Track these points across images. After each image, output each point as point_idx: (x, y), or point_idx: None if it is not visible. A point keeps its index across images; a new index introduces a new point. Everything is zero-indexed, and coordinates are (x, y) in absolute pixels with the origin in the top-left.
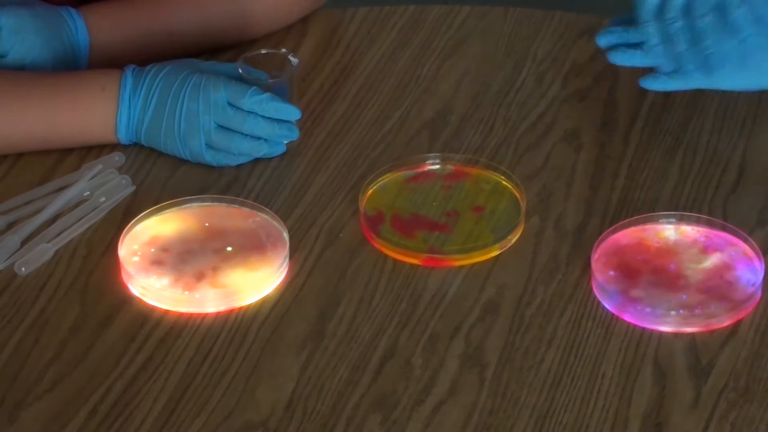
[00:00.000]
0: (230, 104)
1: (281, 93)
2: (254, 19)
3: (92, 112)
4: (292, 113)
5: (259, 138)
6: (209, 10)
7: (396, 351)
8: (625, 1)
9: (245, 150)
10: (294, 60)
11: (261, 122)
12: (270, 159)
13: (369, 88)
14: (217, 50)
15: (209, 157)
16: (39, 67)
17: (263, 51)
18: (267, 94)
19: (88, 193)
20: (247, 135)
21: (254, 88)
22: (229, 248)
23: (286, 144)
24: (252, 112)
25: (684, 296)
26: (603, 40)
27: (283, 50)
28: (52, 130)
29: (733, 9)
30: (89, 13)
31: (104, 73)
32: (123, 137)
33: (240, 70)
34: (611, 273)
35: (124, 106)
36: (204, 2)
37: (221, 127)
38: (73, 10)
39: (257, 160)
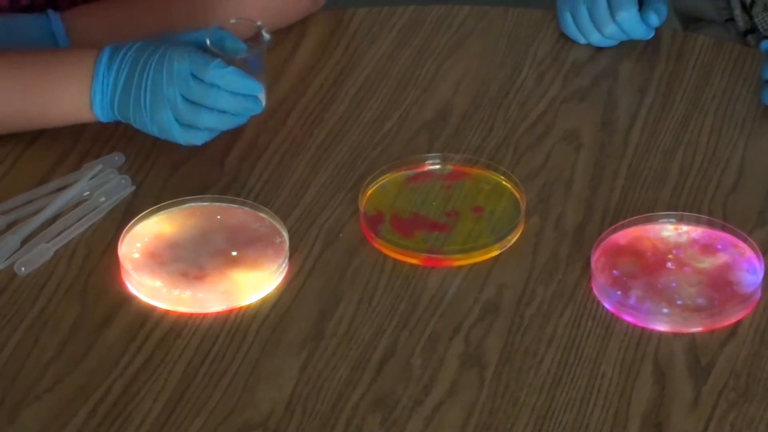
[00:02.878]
0: (194, 76)
1: (252, 67)
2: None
3: (66, 87)
4: (254, 88)
5: (224, 112)
6: (203, 11)
7: (396, 351)
8: None
9: (211, 124)
10: (266, 35)
11: (224, 95)
12: (270, 159)
13: (368, 89)
14: None
15: (177, 133)
16: None
17: (232, 20)
18: (231, 68)
19: (88, 192)
20: (212, 109)
21: (218, 60)
22: (229, 248)
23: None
24: (215, 85)
25: (683, 296)
26: None
27: (258, 23)
28: (27, 105)
29: None
30: (72, 16)
31: (82, 51)
32: (99, 112)
33: (207, 41)
34: (611, 273)
35: (97, 80)
36: (198, 3)
37: (187, 100)
38: (54, 15)
39: (257, 158)
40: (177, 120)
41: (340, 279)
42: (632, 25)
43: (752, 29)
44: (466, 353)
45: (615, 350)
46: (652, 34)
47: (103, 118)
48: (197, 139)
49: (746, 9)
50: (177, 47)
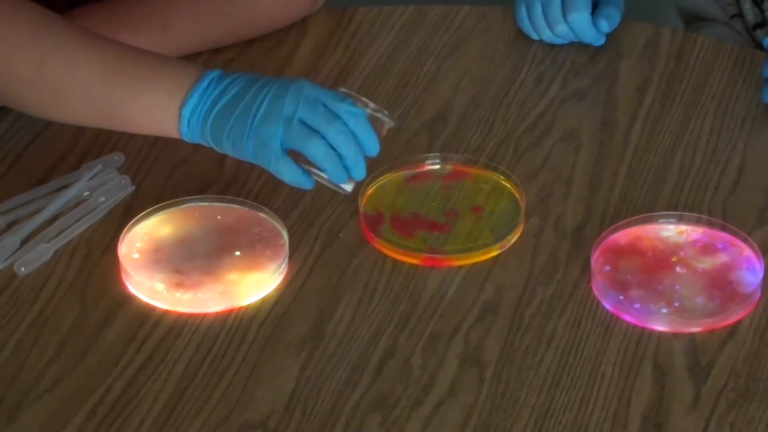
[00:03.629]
0: (323, 104)
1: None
2: (251, 19)
3: (156, 96)
4: (374, 144)
5: (334, 151)
6: (204, 9)
7: (395, 351)
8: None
9: (316, 155)
10: (388, 120)
11: (346, 132)
12: None
13: (368, 88)
14: (213, 50)
15: (273, 152)
16: None
17: (342, 89)
18: (363, 110)
19: (88, 192)
20: (324, 141)
21: (351, 100)
22: (229, 248)
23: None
24: (341, 119)
25: (683, 296)
26: None
27: (377, 108)
28: (115, 106)
29: None
30: (76, 16)
31: (185, 65)
32: (185, 128)
33: (341, 88)
34: (611, 273)
35: (196, 93)
36: (201, 4)
37: (304, 124)
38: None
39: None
40: (281, 141)
41: (339, 279)
42: (582, 27)
43: (762, 23)
44: (465, 353)
45: (615, 350)
46: (603, 40)
47: (185, 131)
48: (290, 172)
49: (756, 2)
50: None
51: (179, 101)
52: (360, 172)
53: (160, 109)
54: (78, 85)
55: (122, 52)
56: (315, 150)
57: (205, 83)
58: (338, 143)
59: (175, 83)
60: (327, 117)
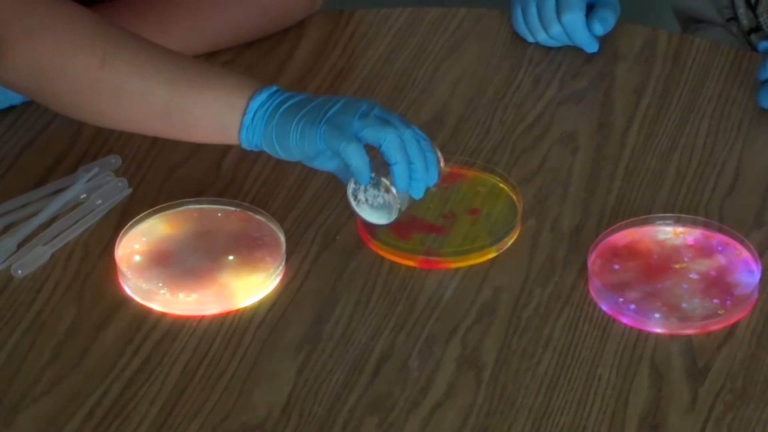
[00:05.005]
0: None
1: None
2: (249, 22)
3: (216, 105)
4: (434, 174)
5: (406, 157)
6: (203, 11)
7: (393, 353)
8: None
9: (393, 145)
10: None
11: (419, 140)
12: (267, 161)
13: (365, 91)
14: (210, 53)
15: (346, 140)
16: None
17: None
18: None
19: (85, 195)
20: (400, 135)
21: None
22: (226, 251)
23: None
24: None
25: (680, 298)
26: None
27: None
28: (178, 104)
29: None
30: None
31: (243, 79)
32: (250, 117)
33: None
34: (608, 275)
35: (266, 91)
36: (196, 4)
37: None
38: None
39: (253, 161)
40: (356, 130)
41: (336, 281)
42: (576, 28)
43: (756, 28)
44: (463, 355)
45: (612, 352)
46: (596, 47)
47: (247, 133)
48: (358, 157)
49: (751, 7)
50: None
51: (249, 94)
52: (424, 184)
53: (227, 103)
54: (140, 84)
55: (183, 55)
56: (391, 139)
57: (273, 88)
58: (411, 147)
59: (244, 82)
60: (403, 122)
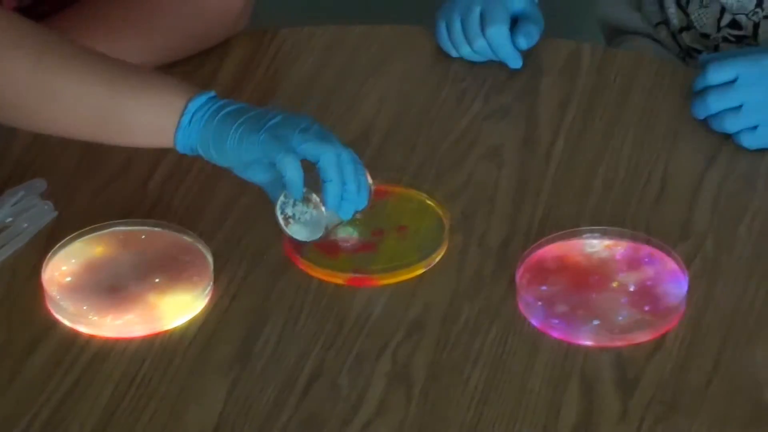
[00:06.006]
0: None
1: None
2: (172, 42)
3: (155, 105)
4: (365, 197)
5: (341, 179)
6: (124, 32)
7: (323, 371)
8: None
9: (330, 164)
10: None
11: (356, 162)
12: (193, 182)
13: (291, 109)
14: None
15: (284, 150)
16: None
17: None
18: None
19: (11, 219)
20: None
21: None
22: (153, 272)
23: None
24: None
25: (609, 310)
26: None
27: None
28: (116, 105)
29: None
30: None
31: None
32: (188, 117)
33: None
34: (536, 289)
35: (206, 95)
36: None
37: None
38: None
39: (180, 181)
40: (295, 142)
41: (265, 300)
42: (500, 42)
43: (687, 26)
44: (393, 372)
45: (542, 366)
46: (520, 63)
47: (183, 134)
48: (293, 169)
49: (681, 6)
50: None
51: (187, 97)
52: (354, 206)
53: (164, 104)
54: (76, 86)
55: (119, 60)
56: (329, 156)
57: (211, 93)
58: (347, 167)
59: (182, 85)
60: (341, 143)
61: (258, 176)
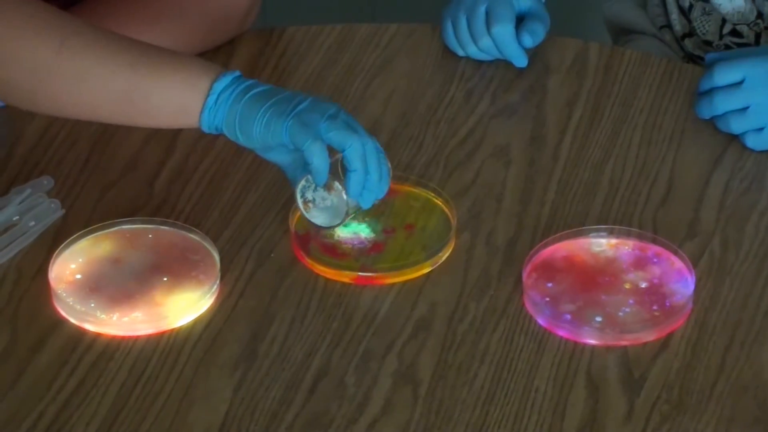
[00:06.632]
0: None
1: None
2: (179, 41)
3: (180, 85)
4: (385, 186)
5: (365, 166)
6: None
7: (329, 370)
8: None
9: (356, 153)
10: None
11: (379, 152)
12: (200, 180)
13: None
14: None
15: (312, 137)
16: None
17: None
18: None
19: (17, 217)
20: (359, 143)
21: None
22: (160, 270)
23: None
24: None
25: (615, 310)
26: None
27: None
28: (139, 87)
29: None
30: None
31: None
32: (213, 99)
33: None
34: (543, 288)
35: (230, 75)
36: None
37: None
38: None
39: (187, 179)
40: (323, 129)
41: (272, 299)
42: (505, 40)
43: (690, 33)
44: (399, 371)
45: (548, 365)
46: (525, 62)
47: (208, 114)
48: (320, 157)
49: (684, 13)
50: None
51: (212, 77)
52: (375, 195)
53: (190, 84)
54: (100, 68)
55: (142, 41)
56: (355, 146)
57: (236, 73)
58: (371, 157)
59: (207, 65)
60: (367, 132)
61: (280, 158)
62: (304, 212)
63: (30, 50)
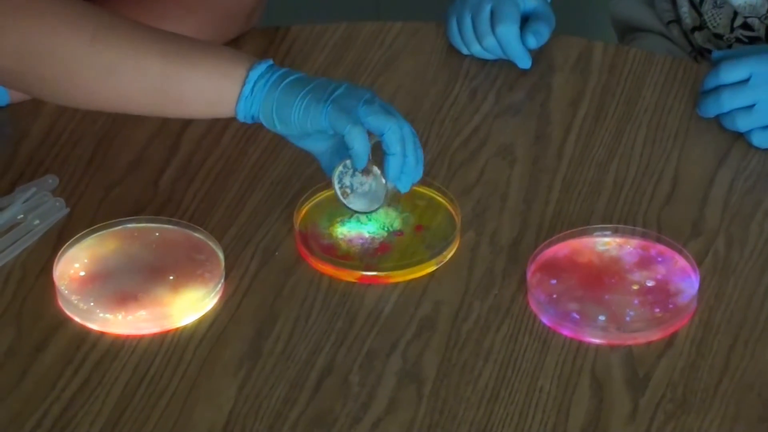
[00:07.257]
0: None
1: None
2: None
3: (216, 75)
4: (420, 168)
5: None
6: None
7: (333, 369)
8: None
9: (395, 136)
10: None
11: (415, 136)
12: (205, 178)
13: None
14: None
15: (352, 122)
16: None
17: None
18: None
19: (22, 216)
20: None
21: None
22: (164, 269)
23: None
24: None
25: (620, 309)
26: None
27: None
28: (172, 77)
29: None
30: None
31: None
32: (249, 87)
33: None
34: (547, 287)
35: (265, 63)
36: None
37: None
38: None
39: (191, 178)
40: (361, 114)
41: (276, 298)
42: (509, 41)
43: (700, 26)
44: (403, 370)
45: (552, 364)
46: (529, 63)
47: (245, 103)
48: (361, 141)
49: (694, 6)
50: None
51: (247, 66)
52: (412, 179)
53: (224, 73)
54: (133, 59)
55: (172, 32)
56: (394, 129)
57: (269, 62)
58: (408, 141)
59: (239, 54)
60: (403, 117)
61: (316, 145)
62: (342, 199)
63: (62, 45)
